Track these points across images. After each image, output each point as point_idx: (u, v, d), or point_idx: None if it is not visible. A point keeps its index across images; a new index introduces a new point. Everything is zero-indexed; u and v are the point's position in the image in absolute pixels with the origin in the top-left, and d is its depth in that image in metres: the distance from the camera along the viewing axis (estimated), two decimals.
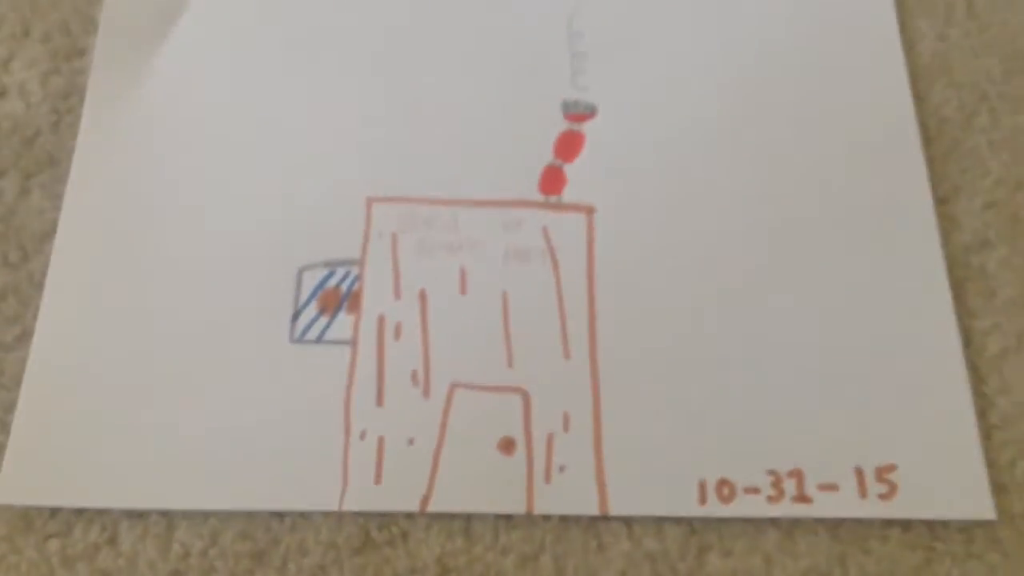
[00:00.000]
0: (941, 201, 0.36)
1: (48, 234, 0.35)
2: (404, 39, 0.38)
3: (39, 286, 0.34)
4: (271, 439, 0.32)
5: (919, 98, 0.37)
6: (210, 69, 0.38)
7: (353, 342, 0.33)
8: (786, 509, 0.31)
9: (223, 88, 0.37)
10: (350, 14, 0.39)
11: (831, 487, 0.31)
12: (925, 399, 0.33)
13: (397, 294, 0.34)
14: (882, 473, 0.32)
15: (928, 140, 0.37)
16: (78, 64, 0.38)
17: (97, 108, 0.37)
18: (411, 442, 0.32)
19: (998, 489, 0.31)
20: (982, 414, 0.33)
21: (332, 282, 0.34)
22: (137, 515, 0.31)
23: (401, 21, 0.39)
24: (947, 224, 0.35)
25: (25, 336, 0.33)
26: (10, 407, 0.32)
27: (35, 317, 0.33)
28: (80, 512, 0.31)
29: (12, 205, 0.35)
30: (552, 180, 0.36)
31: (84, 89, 0.37)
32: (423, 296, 0.34)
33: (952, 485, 0.31)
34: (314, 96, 0.37)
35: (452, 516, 0.31)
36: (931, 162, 0.36)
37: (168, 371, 0.33)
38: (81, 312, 0.33)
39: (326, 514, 0.31)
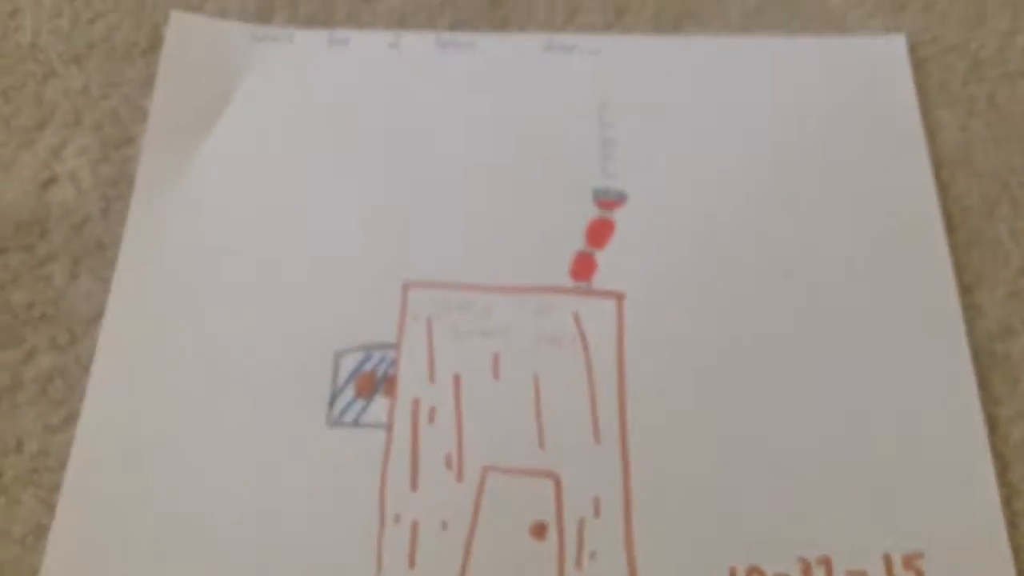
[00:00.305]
0: (965, 289, 0.36)
1: (96, 318, 0.36)
2: (440, 131, 0.40)
3: (86, 369, 0.35)
4: (307, 522, 0.32)
5: (942, 187, 0.38)
6: (253, 159, 0.39)
7: (388, 426, 0.34)
8: None
9: (266, 177, 0.39)
10: (390, 109, 0.40)
11: (860, 574, 0.32)
12: (952, 486, 0.33)
13: (432, 378, 0.35)
14: (910, 561, 0.32)
15: (951, 229, 0.38)
16: (127, 152, 0.39)
17: (145, 195, 0.38)
18: (444, 526, 0.33)
19: None
20: (1007, 502, 0.33)
21: (368, 366, 0.35)
22: None
23: (437, 115, 0.40)
24: (971, 312, 0.36)
25: (71, 418, 0.34)
26: (55, 488, 0.33)
27: (81, 400, 0.34)
28: None
29: (62, 289, 0.37)
30: (583, 266, 0.37)
31: (133, 176, 0.38)
32: (457, 380, 0.35)
33: (979, 572, 0.32)
34: (353, 185, 0.39)
35: None
36: (955, 250, 0.37)
37: (209, 454, 0.34)
38: (126, 395, 0.34)
39: None
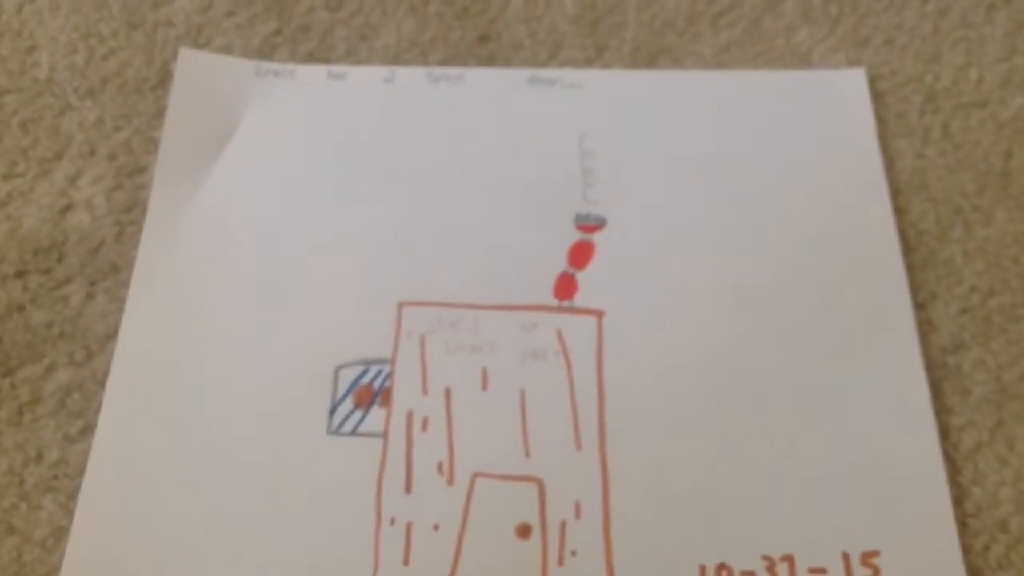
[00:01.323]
0: (919, 306, 0.39)
1: (111, 335, 0.38)
2: (431, 160, 0.42)
3: (102, 383, 0.37)
4: (308, 524, 0.34)
5: (899, 211, 0.41)
6: (257, 186, 0.41)
7: (384, 435, 0.36)
8: None
9: (269, 203, 0.41)
10: (385, 139, 0.42)
11: (820, 571, 0.34)
12: (907, 489, 0.35)
13: (425, 390, 0.37)
14: (867, 558, 0.34)
15: (908, 250, 0.40)
16: (140, 180, 0.41)
17: (157, 220, 0.40)
18: (436, 528, 0.35)
19: (972, 572, 0.34)
20: (958, 503, 0.35)
21: (366, 379, 0.37)
22: None
23: (429, 144, 0.42)
24: (925, 327, 0.38)
25: (88, 429, 0.36)
26: (73, 494, 0.35)
27: (98, 412, 0.36)
28: None
29: (79, 308, 0.38)
30: (565, 286, 0.39)
31: (145, 203, 0.40)
32: (448, 392, 0.37)
33: (931, 569, 0.34)
34: (350, 210, 0.41)
35: None
36: (910, 270, 0.39)
37: (216, 462, 0.35)
38: (139, 407, 0.36)
39: None
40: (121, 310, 0.38)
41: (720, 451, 0.36)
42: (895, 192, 0.41)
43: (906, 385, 0.37)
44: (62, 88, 0.43)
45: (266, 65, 0.44)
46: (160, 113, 0.43)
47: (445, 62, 0.44)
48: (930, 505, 0.35)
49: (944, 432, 0.36)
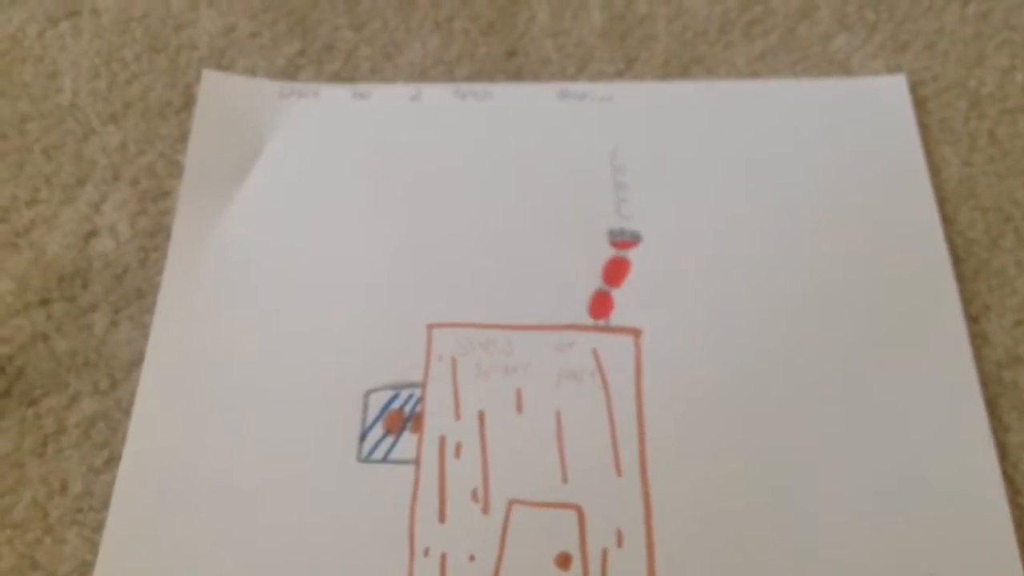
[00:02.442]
0: (972, 320, 0.37)
1: (135, 363, 0.37)
2: (460, 178, 0.41)
3: (127, 412, 0.36)
4: (339, 556, 0.33)
5: (947, 221, 0.39)
6: (283, 209, 0.40)
7: (416, 461, 0.35)
8: None
9: (295, 225, 0.40)
10: (412, 158, 0.41)
11: None
12: (964, 511, 0.33)
13: (457, 415, 0.36)
14: None
15: (957, 261, 0.38)
16: (164, 205, 0.40)
17: (181, 245, 0.39)
18: (472, 558, 0.33)
19: None
20: (1019, 526, 0.33)
21: (396, 404, 0.36)
22: None
23: (457, 162, 0.41)
24: (979, 341, 0.37)
25: (113, 460, 0.35)
26: (98, 527, 0.34)
27: (123, 442, 0.35)
28: None
29: (103, 336, 0.38)
30: (600, 305, 0.38)
31: (169, 228, 0.40)
32: (481, 416, 0.36)
33: None
34: (378, 231, 0.40)
35: None
36: (961, 282, 0.38)
37: (244, 491, 0.34)
38: (165, 437, 0.35)
39: None
40: (146, 337, 0.37)
41: (767, 474, 0.34)
42: (942, 201, 0.40)
43: (961, 403, 0.35)
44: (85, 113, 0.43)
45: (290, 86, 0.43)
46: (184, 137, 0.42)
47: (472, 78, 0.43)
48: (989, 527, 0.33)
49: (1003, 451, 0.35)
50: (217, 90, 0.43)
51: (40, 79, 0.44)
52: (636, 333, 0.37)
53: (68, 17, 0.45)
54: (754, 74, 0.43)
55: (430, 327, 0.37)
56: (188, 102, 0.43)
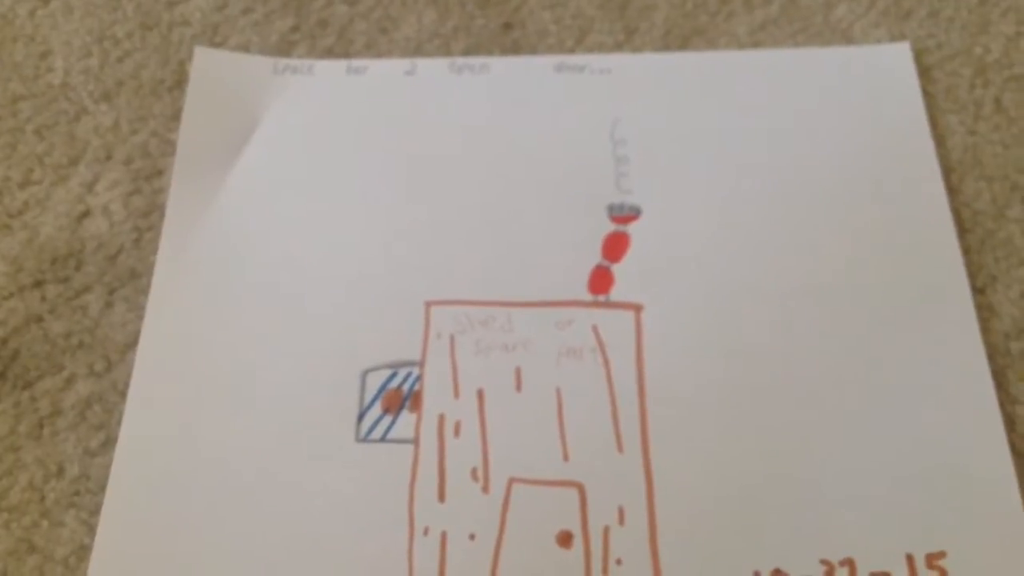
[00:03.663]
0: (978, 291, 0.36)
1: (131, 344, 0.36)
2: (457, 153, 0.40)
3: (122, 394, 0.35)
4: (339, 535, 0.33)
5: (952, 191, 0.38)
6: (278, 186, 0.40)
7: (415, 441, 0.34)
8: None
9: (291, 203, 0.39)
10: (408, 133, 0.41)
11: (884, 575, 0.32)
12: (973, 485, 0.33)
13: (456, 393, 0.35)
14: (933, 560, 0.32)
15: (963, 231, 0.38)
16: (157, 184, 0.40)
17: (175, 224, 0.39)
18: (472, 537, 0.33)
19: None
20: None
21: (395, 383, 0.36)
22: None
23: (454, 137, 0.40)
24: (985, 313, 0.36)
25: (109, 442, 0.35)
26: (96, 510, 0.34)
27: (119, 424, 0.35)
28: None
29: (97, 318, 0.37)
30: (600, 280, 0.37)
31: (163, 207, 0.39)
32: (481, 394, 0.35)
33: (1002, 570, 0.32)
34: (375, 208, 0.39)
35: None
36: (967, 253, 0.37)
37: (242, 473, 0.34)
38: (162, 418, 0.35)
39: None
40: (141, 318, 0.37)
41: (771, 450, 0.34)
42: (947, 171, 0.39)
43: (968, 375, 0.35)
44: (77, 93, 0.42)
45: (284, 62, 0.42)
46: (177, 115, 0.41)
47: (468, 52, 0.43)
48: (998, 501, 0.33)
49: (1010, 423, 0.34)
50: (210, 67, 0.42)
51: (31, 59, 0.43)
52: (637, 308, 0.36)
53: None
54: (755, 44, 0.42)
55: (428, 304, 0.37)
56: (181, 80, 0.42)
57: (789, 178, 0.39)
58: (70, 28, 0.44)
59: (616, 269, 0.37)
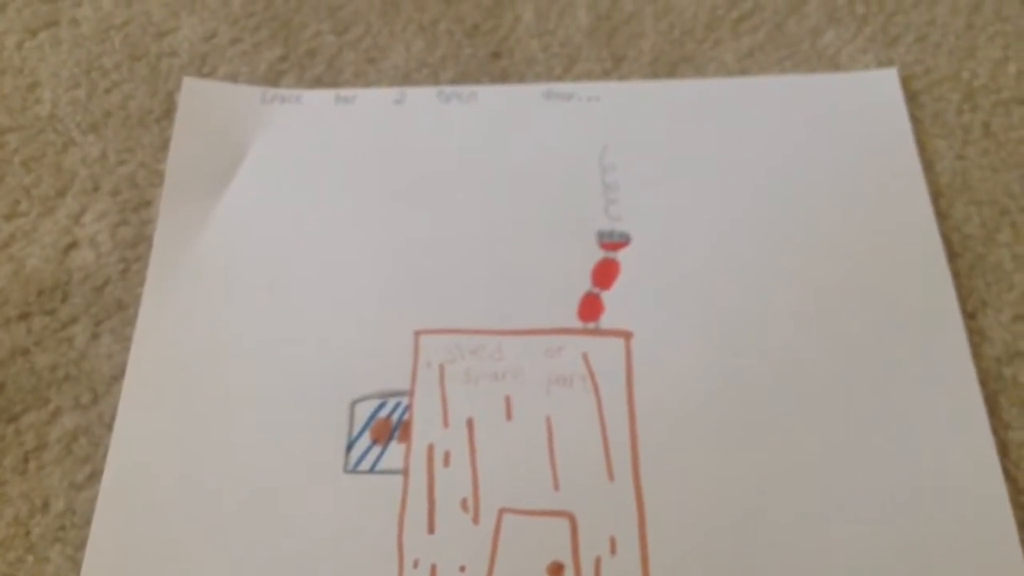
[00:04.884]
0: (969, 316, 0.37)
1: (117, 376, 0.37)
2: (446, 181, 0.40)
3: (109, 427, 0.36)
4: (327, 568, 0.33)
5: (941, 216, 0.39)
6: (266, 216, 0.40)
7: (405, 471, 0.35)
8: None
9: (279, 233, 0.39)
10: (396, 162, 0.41)
11: None
12: (966, 511, 0.33)
13: (446, 423, 0.35)
14: None
15: (953, 256, 0.38)
16: (145, 215, 0.40)
17: (163, 255, 0.39)
18: (463, 569, 0.33)
19: None
20: (1022, 524, 0.33)
21: (384, 413, 0.36)
22: None
23: (443, 166, 0.41)
24: (977, 338, 0.36)
25: (95, 475, 0.35)
26: (81, 544, 0.33)
27: (104, 457, 0.35)
28: None
29: (83, 350, 0.37)
30: (590, 307, 0.37)
31: (151, 238, 0.39)
32: (471, 424, 0.35)
33: None
34: (363, 237, 0.39)
35: None
36: (957, 278, 0.37)
37: (230, 505, 0.34)
38: (148, 450, 0.35)
39: None
40: (127, 350, 0.37)
41: (763, 478, 0.34)
42: (936, 196, 0.39)
43: (960, 400, 0.35)
44: (64, 124, 0.42)
45: (272, 91, 0.43)
46: (165, 145, 0.42)
47: (457, 81, 0.43)
48: (992, 528, 0.33)
49: (1003, 448, 0.34)
50: (198, 97, 0.42)
51: (19, 91, 0.43)
52: (627, 336, 0.37)
53: (47, 27, 0.45)
54: (743, 71, 0.43)
55: (417, 333, 0.37)
56: (169, 110, 0.43)
57: (778, 204, 0.39)
58: (58, 59, 0.44)
59: (606, 296, 0.38)
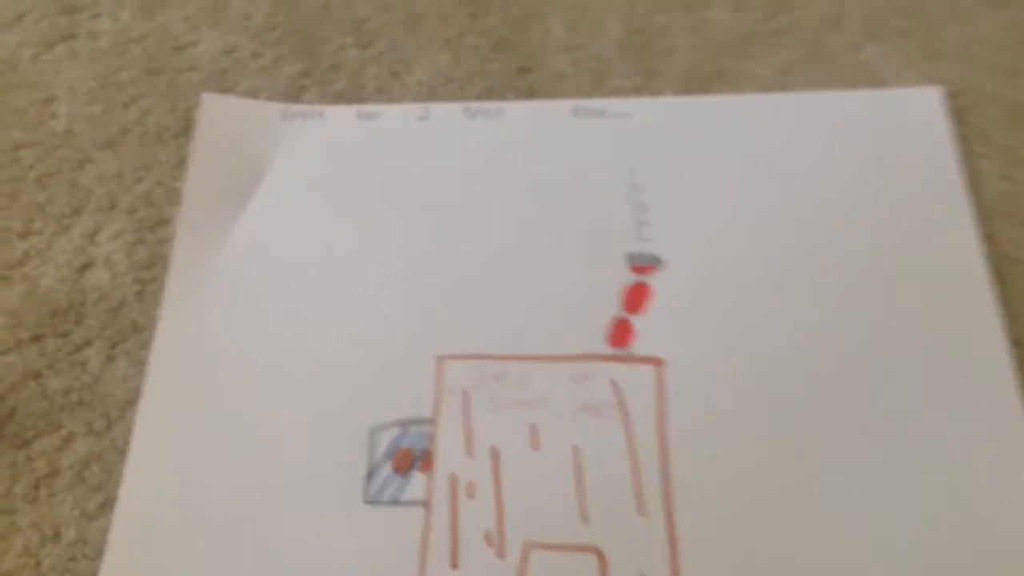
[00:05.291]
0: (1016, 343, 0.35)
1: (131, 401, 0.36)
2: (470, 201, 0.40)
3: (122, 453, 0.35)
4: None
5: (988, 238, 0.38)
6: (286, 236, 0.39)
7: (427, 503, 0.34)
8: None
9: (299, 253, 0.39)
10: (420, 180, 0.40)
11: None
12: (1009, 542, 0.32)
13: (469, 452, 0.34)
14: None
15: (1000, 279, 0.37)
16: (162, 234, 0.39)
17: (180, 276, 0.38)
18: None
19: None
20: None
21: (405, 442, 0.35)
22: None
23: (468, 184, 0.40)
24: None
25: (108, 504, 0.34)
26: None
27: (118, 485, 0.34)
28: None
29: (97, 373, 0.37)
30: (620, 333, 0.36)
31: (167, 258, 0.39)
32: (495, 453, 0.34)
33: None
34: (386, 258, 0.39)
35: None
36: (1003, 303, 0.36)
37: (247, 535, 0.33)
38: (162, 479, 0.34)
39: None
40: (142, 374, 0.36)
41: (800, 509, 0.33)
42: (982, 218, 0.38)
43: (1006, 434, 0.34)
44: (80, 140, 0.42)
45: (294, 108, 0.42)
46: (183, 162, 0.41)
47: (483, 96, 0.42)
48: None
49: None
50: (217, 113, 0.42)
51: (34, 105, 0.43)
52: (658, 363, 0.36)
53: (64, 40, 0.44)
54: (780, 87, 0.42)
55: (440, 359, 0.36)
56: (187, 126, 0.42)
57: (816, 225, 0.38)
58: (74, 73, 0.44)
59: (637, 321, 0.37)
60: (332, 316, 0.37)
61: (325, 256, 0.39)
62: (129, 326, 0.38)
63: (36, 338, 0.37)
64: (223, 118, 0.42)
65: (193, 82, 0.43)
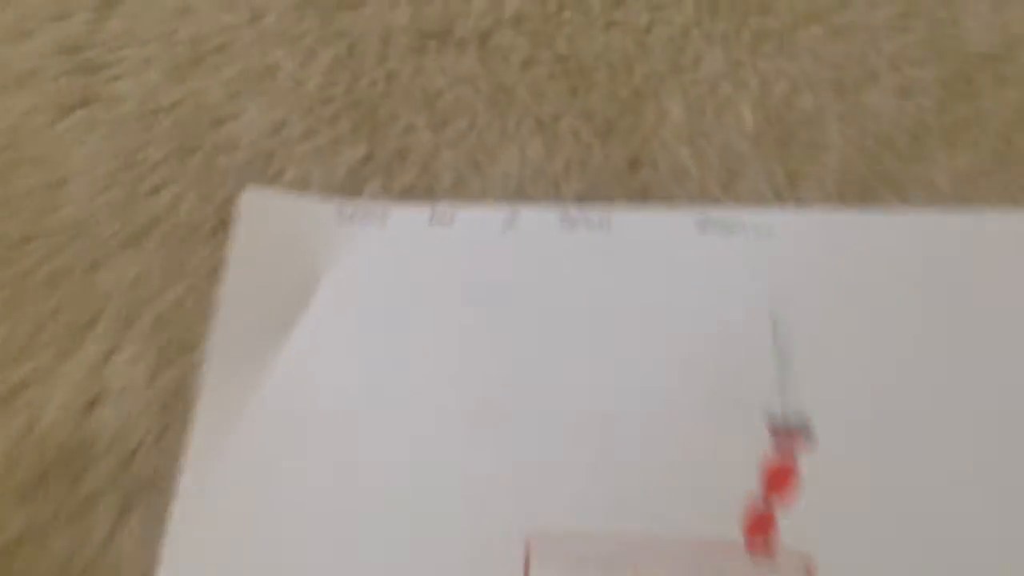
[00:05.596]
0: None
1: (147, 572, 0.31)
2: (567, 335, 0.34)
3: None
4: None
5: None
6: (340, 367, 0.34)
7: None
8: None
9: (356, 394, 0.33)
10: (505, 306, 0.35)
11: None
12: None
13: None
14: None
15: None
16: (188, 360, 0.34)
17: (209, 416, 0.33)
18: None
19: None
20: None
21: None
22: None
23: (563, 313, 0.35)
24: None
25: None
26: None
27: None
28: None
29: (106, 538, 0.31)
30: (758, 521, 0.30)
31: (195, 390, 0.33)
32: None
33: None
34: (458, 402, 0.33)
35: None
36: None
37: None
38: None
39: None
40: (160, 537, 0.31)
41: None
42: None
43: None
44: (96, 234, 0.36)
45: (352, 207, 0.37)
46: (217, 269, 0.35)
47: (584, 197, 0.36)
48: None
49: None
50: (260, 211, 0.36)
51: (43, 188, 0.37)
52: (808, 564, 0.29)
53: (82, 105, 0.39)
54: (961, 199, 0.36)
55: (528, 541, 0.30)
56: (224, 221, 0.36)
57: (1013, 387, 0.32)
58: (91, 149, 0.38)
59: (778, 504, 0.30)
60: (393, 479, 0.32)
61: (387, 401, 0.33)
62: (145, 478, 0.32)
63: (32, 490, 0.32)
64: (267, 217, 0.36)
65: (232, 165, 0.37)
